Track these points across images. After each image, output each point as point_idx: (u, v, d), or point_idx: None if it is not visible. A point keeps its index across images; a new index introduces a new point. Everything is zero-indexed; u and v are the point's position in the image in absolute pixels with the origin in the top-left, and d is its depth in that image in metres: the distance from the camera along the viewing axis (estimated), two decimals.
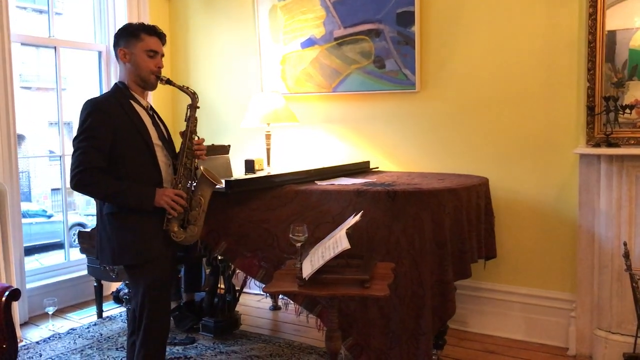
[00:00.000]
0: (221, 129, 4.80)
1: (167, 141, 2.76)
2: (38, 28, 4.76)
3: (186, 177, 2.68)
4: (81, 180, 2.49)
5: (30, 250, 5.37)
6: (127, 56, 2.67)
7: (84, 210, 6.77)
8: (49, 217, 7.35)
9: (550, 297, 3.61)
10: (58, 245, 5.27)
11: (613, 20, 3.28)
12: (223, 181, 3.03)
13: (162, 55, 2.74)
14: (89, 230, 4.07)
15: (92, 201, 3.65)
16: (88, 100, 2.61)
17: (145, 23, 2.77)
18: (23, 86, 6.24)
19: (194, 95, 2.77)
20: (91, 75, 4.95)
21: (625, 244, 2.98)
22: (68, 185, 4.80)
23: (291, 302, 3.17)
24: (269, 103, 4.21)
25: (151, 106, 2.79)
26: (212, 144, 4.03)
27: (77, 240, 4.12)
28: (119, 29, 2.74)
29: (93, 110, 2.54)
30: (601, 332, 3.27)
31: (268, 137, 4.27)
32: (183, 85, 2.78)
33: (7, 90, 3.94)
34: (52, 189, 7.39)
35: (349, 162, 4.03)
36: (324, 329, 2.77)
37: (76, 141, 2.53)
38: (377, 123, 4.18)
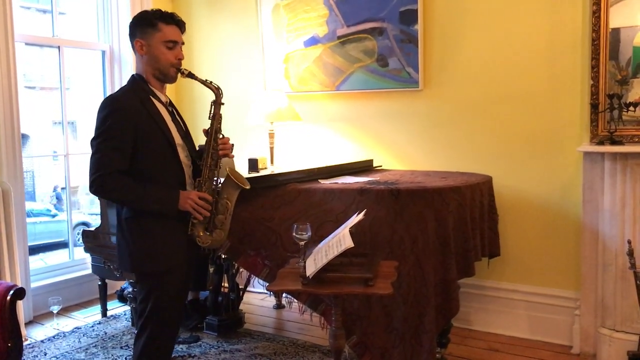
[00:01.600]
0: (224, 127, 4.77)
1: (187, 139, 2.61)
2: (42, 28, 4.79)
3: (210, 179, 2.54)
4: (102, 186, 2.34)
5: (34, 250, 5.39)
6: (144, 48, 2.49)
7: (88, 209, 6.79)
8: (54, 216, 7.38)
9: (554, 295, 3.61)
10: (62, 244, 5.28)
11: (617, 17, 3.27)
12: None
13: (182, 44, 2.57)
14: (93, 229, 4.08)
15: (96, 200, 3.66)
16: (107, 98, 2.48)
17: (160, 10, 2.54)
18: (27, 86, 6.26)
19: (217, 91, 2.61)
20: (95, 74, 4.96)
21: (629, 242, 2.98)
22: (72, 184, 4.83)
23: (295, 300, 3.17)
24: (272, 102, 4.22)
25: (170, 101, 2.64)
26: None
27: (81, 239, 4.13)
28: (135, 18, 2.55)
29: (113, 109, 2.38)
30: (605, 330, 3.26)
31: (271, 135, 4.27)
32: (206, 80, 2.61)
33: (11, 89, 3.95)
34: (62, 188, 7.42)
35: (352, 160, 4.02)
36: (327, 327, 2.78)
37: (95, 142, 2.37)
38: (380, 121, 4.18)
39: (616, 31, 3.28)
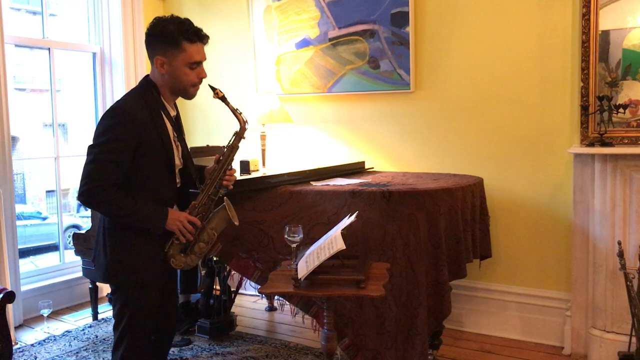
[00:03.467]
0: (216, 129, 4.79)
1: (188, 158, 2.56)
2: (32, 29, 4.75)
3: (205, 207, 2.48)
4: (93, 197, 2.27)
5: (25, 253, 5.35)
6: (165, 66, 2.36)
7: (79, 212, 6.75)
8: (44, 219, 7.32)
9: (546, 297, 3.62)
10: (53, 247, 5.25)
11: (606, 20, 3.29)
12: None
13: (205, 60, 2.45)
14: (84, 232, 4.06)
15: None
16: (115, 107, 2.34)
17: (185, 23, 2.36)
18: (17, 87, 6.22)
19: (244, 124, 2.49)
20: (86, 76, 4.94)
21: (619, 243, 2.99)
22: (63, 187, 4.80)
23: (287, 303, 3.17)
24: (264, 104, 4.21)
25: (178, 114, 2.54)
26: (207, 145, 4.03)
27: (72, 242, 4.11)
28: (156, 31, 2.36)
29: (120, 121, 2.28)
30: (596, 331, 3.27)
31: (263, 137, 4.27)
32: (237, 109, 2.51)
33: (1, 91, 3.93)
34: (47, 191, 7.37)
35: (344, 162, 4.03)
36: (319, 329, 2.77)
37: (94, 150, 2.28)
38: (372, 123, 4.19)
39: (606, 33, 3.30)
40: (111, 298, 4.10)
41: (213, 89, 2.48)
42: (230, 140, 2.51)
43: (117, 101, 2.41)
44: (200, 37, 2.40)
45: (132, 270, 2.39)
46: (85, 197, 2.28)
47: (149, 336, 2.53)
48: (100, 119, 2.36)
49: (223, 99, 2.48)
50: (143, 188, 2.37)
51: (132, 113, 2.31)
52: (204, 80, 2.50)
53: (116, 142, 2.27)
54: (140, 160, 2.33)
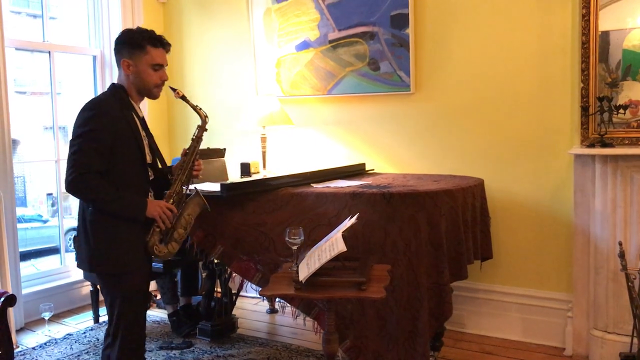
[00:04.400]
0: (217, 132, 4.79)
1: (156, 153, 2.72)
2: (32, 32, 4.76)
3: (179, 193, 2.65)
4: (79, 184, 2.39)
5: (25, 256, 5.35)
6: (130, 68, 2.58)
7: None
8: (45, 222, 7.33)
9: (547, 298, 3.62)
10: (54, 250, 5.25)
11: (606, 21, 3.29)
12: (219, 185, 3.05)
13: (166, 66, 2.68)
14: None
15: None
16: (91, 101, 2.55)
17: (149, 31, 2.65)
18: (18, 91, 6.23)
19: (205, 118, 2.74)
20: (86, 79, 4.94)
21: (620, 244, 2.99)
22: (64, 190, 4.81)
23: (288, 305, 3.17)
24: (264, 106, 4.22)
25: (143, 117, 2.72)
26: (208, 147, 4.03)
27: (72, 245, 4.11)
28: (122, 37, 2.63)
29: (97, 113, 2.46)
30: (598, 332, 3.27)
31: (264, 140, 4.27)
32: (197, 105, 2.74)
33: (2, 95, 3.93)
34: (48, 194, 7.38)
35: (344, 164, 4.03)
36: (321, 331, 2.77)
37: (76, 141, 2.42)
38: (373, 125, 4.19)
39: (606, 34, 3.30)
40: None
41: (173, 89, 2.71)
42: (194, 133, 2.73)
43: (91, 99, 2.60)
44: (162, 43, 2.65)
45: (115, 259, 2.50)
46: (73, 185, 2.40)
47: (141, 324, 2.63)
48: (78, 114, 2.52)
49: (183, 98, 2.71)
50: (117, 181, 2.48)
51: (107, 106, 2.51)
52: (166, 83, 2.72)
53: (95, 132, 2.42)
54: (116, 151, 2.46)
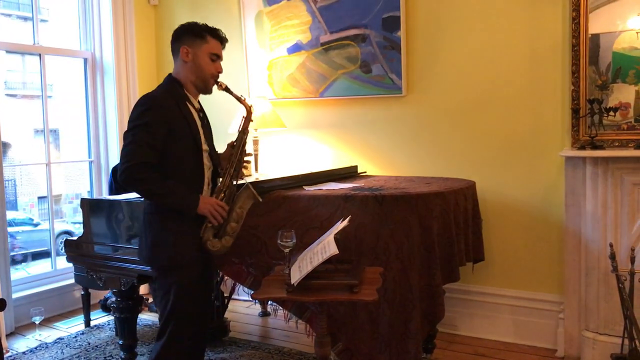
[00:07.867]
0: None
1: (212, 146, 2.73)
2: (23, 35, 4.73)
3: (229, 187, 2.64)
4: (132, 175, 2.42)
5: (16, 260, 5.31)
6: (189, 55, 2.61)
7: (71, 218, 6.72)
8: (36, 225, 7.28)
9: (539, 299, 3.64)
10: (45, 254, 5.22)
11: (596, 23, 3.32)
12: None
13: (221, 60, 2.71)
14: (75, 238, 4.03)
15: (79, 209, 3.62)
16: (145, 95, 2.57)
17: (210, 26, 2.71)
18: (8, 94, 6.18)
19: (250, 108, 2.75)
20: (77, 82, 4.92)
21: (611, 245, 3.01)
22: (55, 193, 4.78)
23: (280, 308, 3.16)
24: (256, 108, 4.20)
25: (201, 107, 2.74)
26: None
27: (64, 248, 4.07)
28: (184, 26, 2.67)
29: (151, 106, 2.49)
30: (589, 333, 3.29)
31: (256, 142, 4.26)
32: (241, 96, 2.75)
33: None
34: (39, 197, 7.33)
35: (336, 166, 4.03)
36: (313, 334, 2.77)
37: (130, 134, 2.46)
38: (364, 127, 4.19)
39: (596, 37, 3.32)
40: (104, 305, 4.10)
41: (216, 82, 2.69)
42: (240, 125, 2.74)
43: (146, 94, 2.61)
44: (221, 38, 2.71)
45: (170, 252, 2.54)
46: (126, 175, 2.42)
47: (192, 323, 2.62)
48: (133, 108, 2.54)
49: (227, 89, 2.70)
50: (172, 175, 2.51)
51: (161, 100, 2.53)
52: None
53: (149, 126, 2.45)
54: (170, 146, 2.49)
